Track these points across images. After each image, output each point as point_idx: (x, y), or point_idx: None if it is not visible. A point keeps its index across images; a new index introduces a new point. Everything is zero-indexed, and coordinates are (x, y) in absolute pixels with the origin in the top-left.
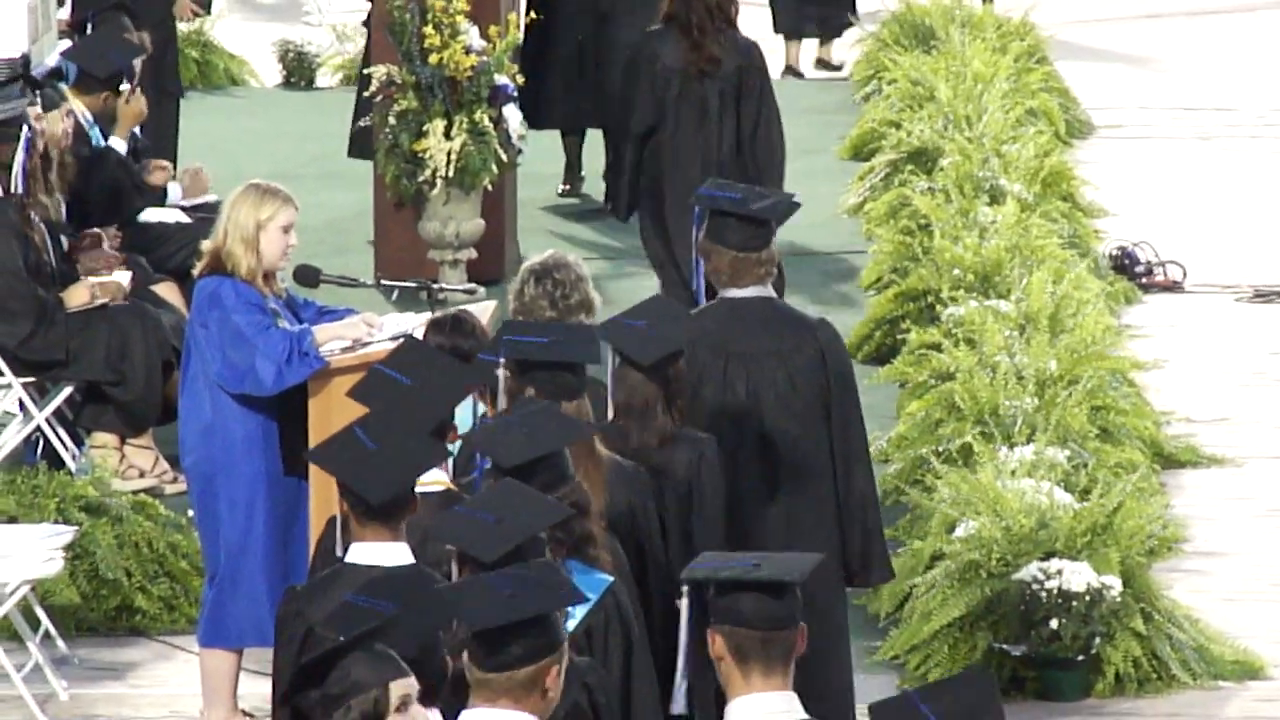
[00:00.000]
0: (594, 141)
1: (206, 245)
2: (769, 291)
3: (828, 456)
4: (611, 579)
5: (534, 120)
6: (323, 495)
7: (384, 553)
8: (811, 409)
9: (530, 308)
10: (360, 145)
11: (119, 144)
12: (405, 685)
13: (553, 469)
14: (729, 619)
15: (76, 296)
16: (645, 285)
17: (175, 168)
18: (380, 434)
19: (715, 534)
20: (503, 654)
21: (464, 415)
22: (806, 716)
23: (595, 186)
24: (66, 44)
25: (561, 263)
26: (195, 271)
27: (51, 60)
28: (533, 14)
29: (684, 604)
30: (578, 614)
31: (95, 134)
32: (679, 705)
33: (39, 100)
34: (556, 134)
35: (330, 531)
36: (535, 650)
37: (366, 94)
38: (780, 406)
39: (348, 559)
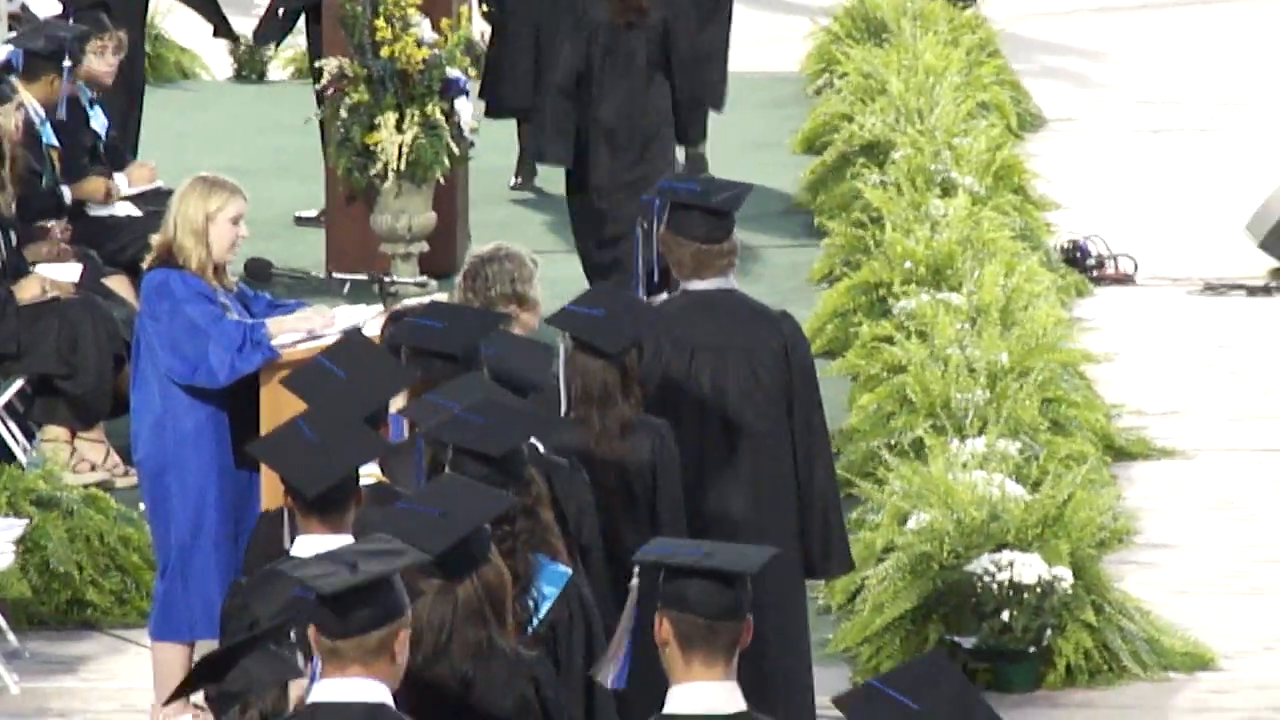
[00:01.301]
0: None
1: (156, 239)
2: (731, 283)
3: (789, 449)
4: (570, 571)
5: (492, 108)
6: (274, 488)
7: (326, 546)
8: (774, 402)
9: (484, 294)
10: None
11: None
12: (303, 686)
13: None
14: (677, 604)
15: (28, 290)
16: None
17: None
18: (320, 427)
19: (678, 517)
20: (350, 620)
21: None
22: (744, 708)
23: (547, 179)
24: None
25: (512, 251)
26: (144, 264)
27: (0, 54)
28: (484, 6)
29: (633, 584)
30: (544, 607)
31: (46, 131)
32: (617, 680)
33: None
34: (508, 127)
35: (262, 527)
36: (382, 615)
37: (318, 87)
38: (743, 399)
39: (293, 551)
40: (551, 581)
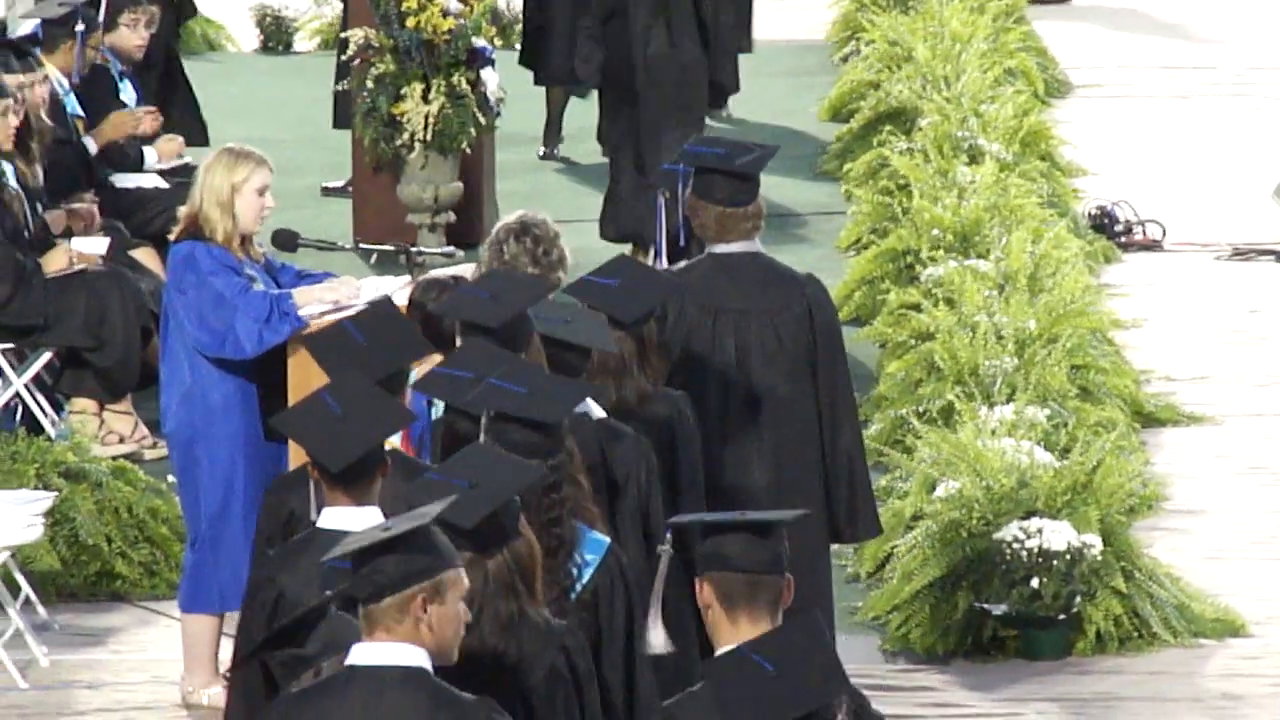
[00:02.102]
0: (575, 103)
1: (183, 210)
2: (756, 246)
3: (814, 413)
4: (608, 539)
5: (539, 78)
6: (303, 459)
7: (352, 517)
8: (798, 365)
9: (512, 265)
10: (343, 115)
11: (91, 145)
12: None
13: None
14: (715, 564)
15: (55, 261)
16: (618, 248)
17: (205, 128)
18: (345, 399)
19: (697, 491)
20: (369, 582)
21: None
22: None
23: (574, 148)
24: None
25: (537, 220)
26: (171, 236)
27: (26, 27)
28: None
29: (665, 550)
30: (586, 574)
31: (70, 101)
32: (660, 646)
33: (19, 67)
34: (536, 97)
35: (272, 493)
36: (400, 577)
37: (344, 58)
38: (768, 362)
39: (319, 524)
40: (592, 550)
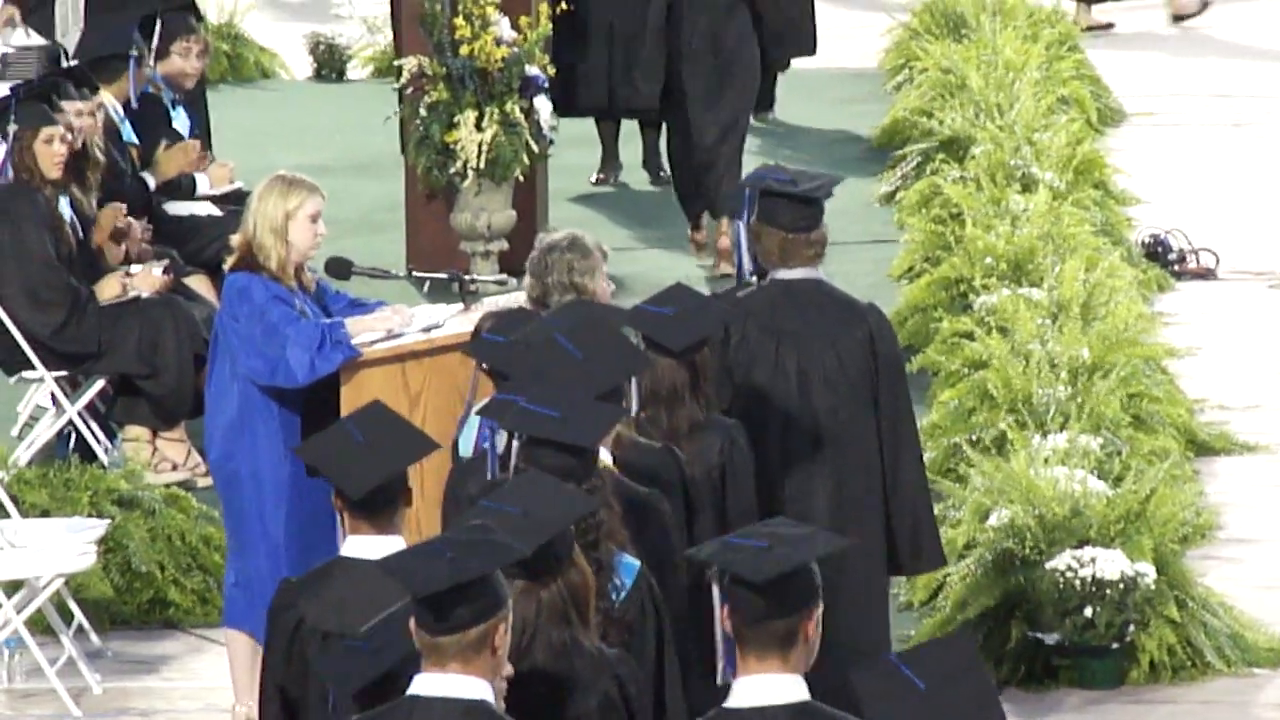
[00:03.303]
0: (630, 131)
1: (235, 239)
2: (818, 273)
3: (875, 441)
4: (639, 563)
5: (566, 108)
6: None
7: (375, 546)
8: (859, 392)
9: (540, 277)
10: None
11: (150, 180)
12: None
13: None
14: (730, 600)
15: (109, 289)
16: (673, 275)
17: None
18: (368, 428)
19: (749, 520)
20: (452, 617)
21: (468, 431)
22: (805, 698)
23: (631, 176)
24: None
25: (577, 240)
26: (226, 266)
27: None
28: (563, 3)
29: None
30: (622, 597)
31: (126, 129)
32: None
33: (74, 94)
34: (588, 124)
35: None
36: (483, 610)
37: (395, 86)
38: (830, 388)
39: (341, 553)
40: (626, 573)
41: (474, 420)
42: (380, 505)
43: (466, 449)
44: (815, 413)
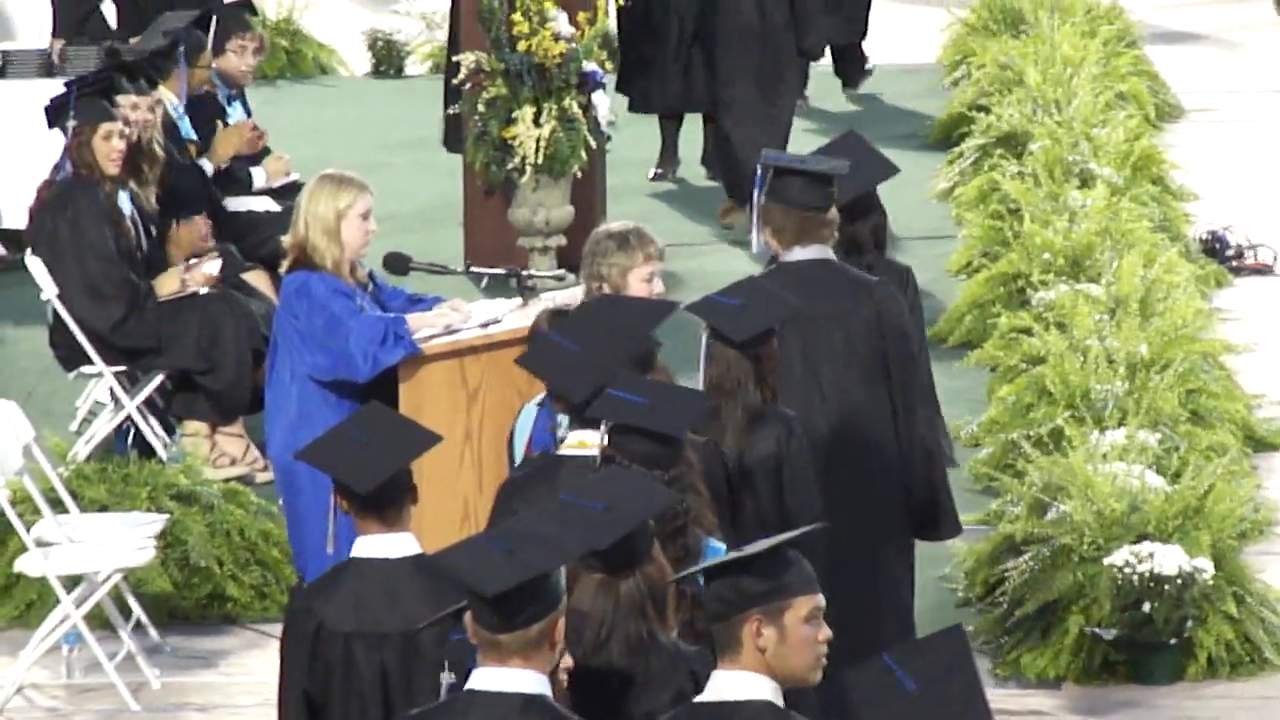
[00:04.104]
0: (690, 128)
1: (287, 240)
2: (828, 253)
3: (889, 415)
4: (724, 547)
5: (639, 104)
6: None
7: (386, 544)
8: (870, 369)
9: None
10: (455, 138)
11: (208, 166)
12: None
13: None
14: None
15: (167, 285)
16: (730, 270)
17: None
18: (368, 427)
19: (808, 511)
20: (515, 614)
21: (524, 421)
22: (761, 698)
23: (690, 171)
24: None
25: (629, 233)
26: (282, 269)
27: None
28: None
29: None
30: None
31: (184, 124)
32: None
33: (131, 89)
34: (646, 119)
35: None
36: (545, 606)
37: (455, 81)
38: (839, 368)
39: (353, 553)
40: (711, 557)
41: (530, 411)
42: (389, 502)
43: (521, 442)
44: (826, 393)
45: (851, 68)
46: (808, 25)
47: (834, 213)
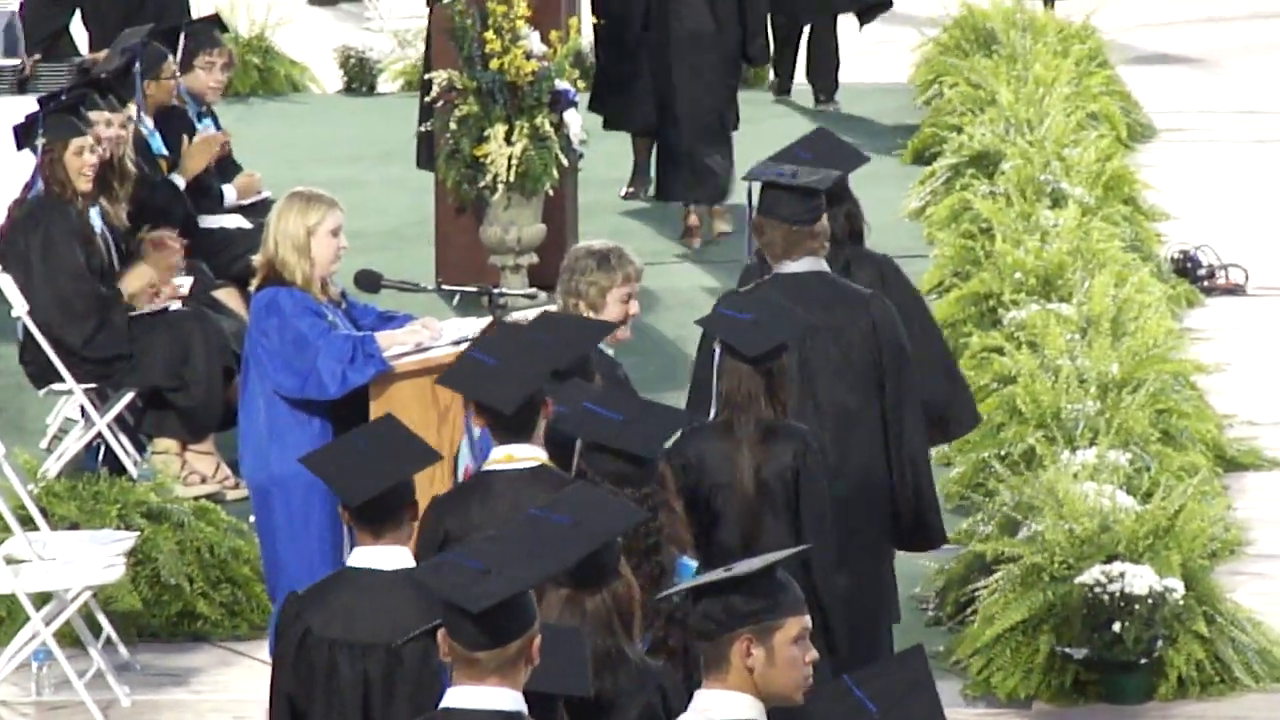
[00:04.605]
0: None
1: (258, 258)
2: (821, 265)
3: (880, 428)
4: (697, 564)
5: (613, 123)
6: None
7: (379, 556)
8: (865, 381)
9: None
10: (427, 156)
11: (179, 180)
12: None
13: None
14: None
15: (134, 282)
16: (703, 287)
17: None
18: (373, 438)
19: (823, 525)
20: (495, 632)
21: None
22: (754, 718)
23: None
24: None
25: (608, 253)
26: (251, 286)
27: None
28: (595, 18)
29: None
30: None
31: (155, 140)
32: None
33: (103, 105)
34: (618, 137)
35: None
36: (524, 623)
37: (427, 99)
38: (834, 378)
39: (348, 562)
40: (686, 575)
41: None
42: (381, 516)
43: (462, 466)
44: (820, 403)
45: (826, 80)
46: (754, 31)
47: (823, 225)
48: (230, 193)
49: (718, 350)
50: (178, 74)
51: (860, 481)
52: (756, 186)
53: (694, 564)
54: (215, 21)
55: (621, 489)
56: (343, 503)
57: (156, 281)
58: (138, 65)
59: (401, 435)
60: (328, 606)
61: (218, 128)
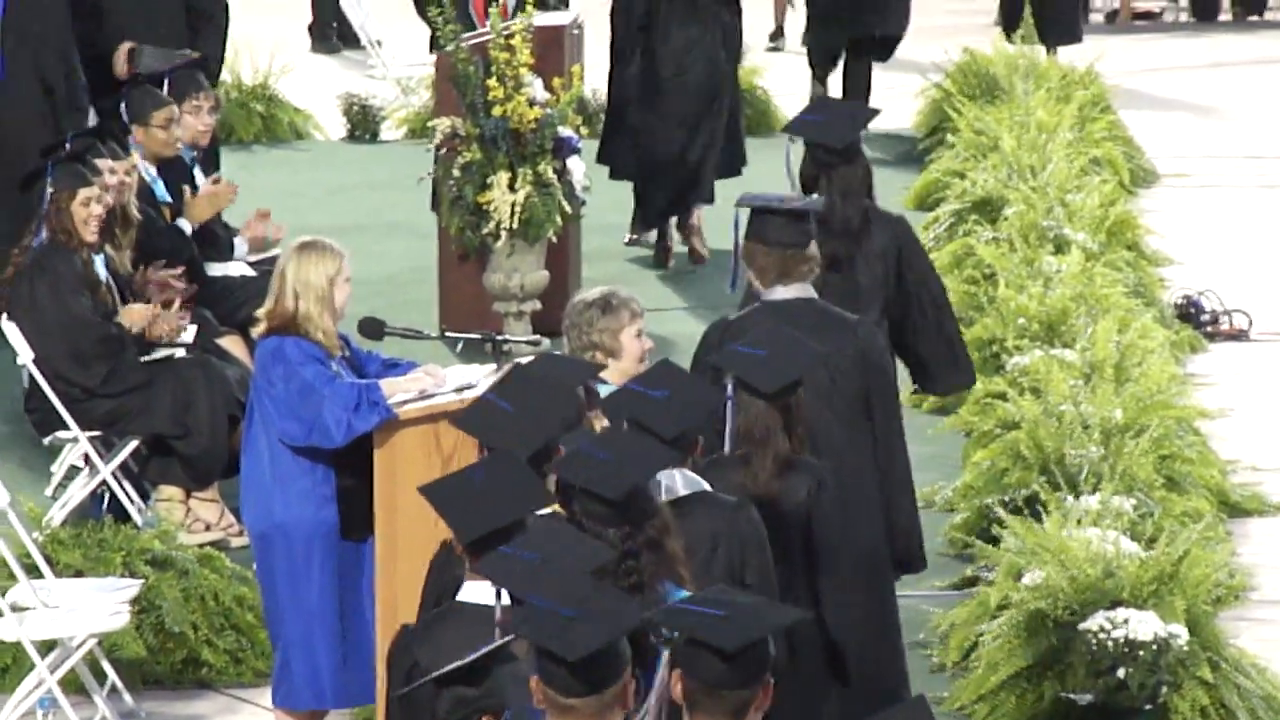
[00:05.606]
0: None
1: (263, 310)
2: (810, 292)
3: (870, 453)
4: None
5: (620, 172)
6: (388, 554)
7: (490, 592)
8: (853, 408)
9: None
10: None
11: (186, 226)
12: None
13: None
14: (684, 665)
15: (134, 315)
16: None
17: None
18: (491, 474)
19: (834, 560)
20: (593, 678)
21: None
22: None
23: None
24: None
25: (609, 297)
26: (256, 333)
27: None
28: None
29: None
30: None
31: (158, 187)
32: None
33: (106, 154)
34: (621, 185)
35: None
36: (618, 669)
37: (428, 147)
38: (823, 405)
39: (459, 597)
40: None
41: None
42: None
43: None
44: (809, 430)
45: None
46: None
47: (814, 249)
48: (241, 245)
49: (730, 387)
50: (175, 120)
51: (854, 509)
52: (744, 214)
53: (686, 594)
54: (199, 65)
55: (605, 528)
56: (456, 537)
57: (156, 313)
58: (124, 111)
59: (519, 474)
60: (436, 641)
61: (205, 174)
